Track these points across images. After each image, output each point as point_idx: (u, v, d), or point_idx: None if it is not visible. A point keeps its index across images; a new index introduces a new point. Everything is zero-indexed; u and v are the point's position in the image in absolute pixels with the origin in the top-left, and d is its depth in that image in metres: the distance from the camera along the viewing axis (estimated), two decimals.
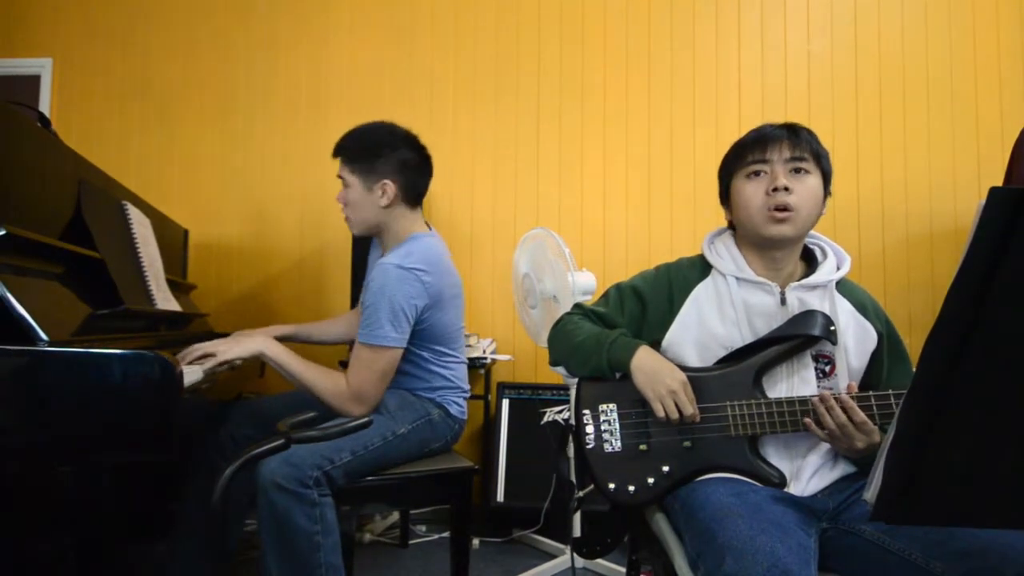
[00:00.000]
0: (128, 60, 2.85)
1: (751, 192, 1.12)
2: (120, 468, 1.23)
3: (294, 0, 2.84)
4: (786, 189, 1.08)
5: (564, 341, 1.21)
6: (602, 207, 2.72)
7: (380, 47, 2.81)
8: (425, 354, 1.59)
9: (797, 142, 1.11)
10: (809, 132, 1.13)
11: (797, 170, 1.10)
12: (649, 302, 1.19)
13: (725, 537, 0.84)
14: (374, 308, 1.44)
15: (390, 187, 1.55)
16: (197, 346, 1.40)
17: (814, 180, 1.11)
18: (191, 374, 1.28)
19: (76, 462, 1.06)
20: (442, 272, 1.55)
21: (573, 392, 1.18)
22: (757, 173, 1.12)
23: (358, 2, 2.83)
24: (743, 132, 1.21)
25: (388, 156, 1.56)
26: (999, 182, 2.39)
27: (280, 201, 2.79)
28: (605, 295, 1.26)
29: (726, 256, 1.18)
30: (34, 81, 2.82)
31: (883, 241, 2.65)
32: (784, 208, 1.08)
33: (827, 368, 1.11)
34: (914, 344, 1.18)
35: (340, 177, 1.61)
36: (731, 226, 1.23)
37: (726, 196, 1.20)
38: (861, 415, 0.97)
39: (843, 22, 2.71)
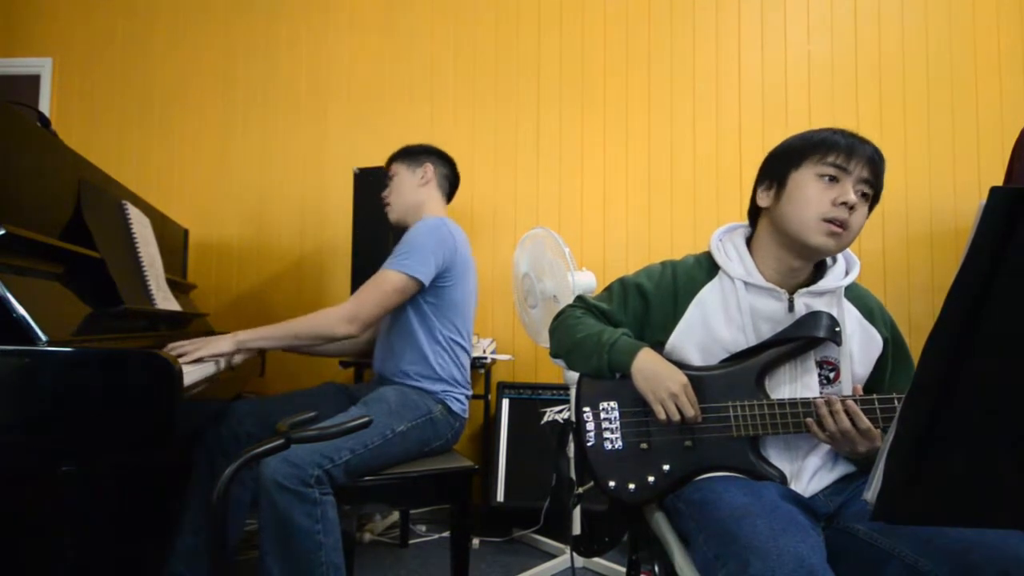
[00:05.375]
0: (128, 60, 2.85)
1: (816, 194, 1.05)
2: (120, 467, 1.23)
3: (294, 0, 2.84)
4: (852, 208, 1.04)
5: (565, 336, 1.20)
6: (602, 206, 2.72)
7: (380, 47, 2.81)
8: (439, 325, 1.64)
9: (875, 168, 1.06)
10: (883, 159, 1.08)
11: (864, 193, 1.06)
12: (653, 301, 1.17)
13: (746, 538, 0.82)
14: (406, 245, 1.60)
15: (430, 168, 1.80)
16: (172, 345, 1.39)
17: (866, 209, 1.08)
18: (204, 369, 1.30)
19: (76, 462, 1.06)
20: (465, 243, 1.72)
21: (574, 389, 1.18)
22: (833, 179, 1.05)
23: (358, 1, 2.83)
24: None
25: (430, 152, 1.85)
26: (999, 182, 2.39)
27: (280, 201, 2.79)
28: (608, 289, 1.24)
29: (735, 258, 1.15)
30: (34, 81, 2.82)
31: (883, 241, 2.65)
32: (842, 225, 1.04)
33: (831, 375, 1.10)
34: (914, 345, 1.18)
35: (388, 177, 1.84)
36: (752, 214, 1.18)
37: (777, 180, 1.11)
38: (866, 422, 0.96)
39: (843, 22, 2.71)
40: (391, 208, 1.83)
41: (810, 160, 1.07)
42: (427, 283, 1.59)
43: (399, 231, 1.78)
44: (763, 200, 1.14)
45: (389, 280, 1.56)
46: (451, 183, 1.87)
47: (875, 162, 1.06)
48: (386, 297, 1.55)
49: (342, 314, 1.52)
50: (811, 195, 1.06)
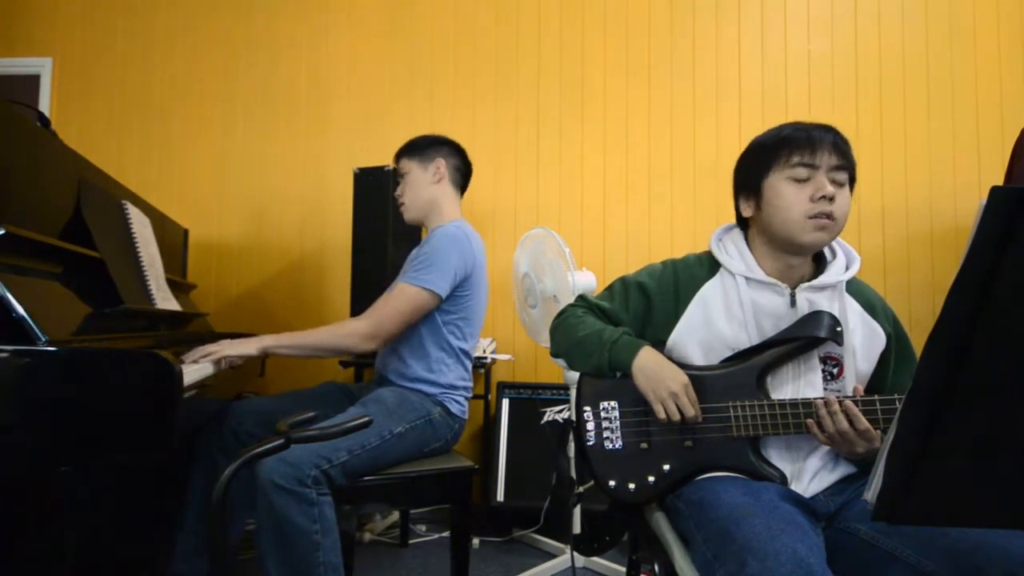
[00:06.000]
0: (128, 60, 2.85)
1: (794, 196, 1.06)
2: (120, 467, 1.23)
3: (294, 0, 2.84)
4: (832, 199, 1.04)
5: (566, 335, 1.20)
6: (602, 206, 2.72)
7: (380, 46, 2.81)
8: (446, 333, 1.63)
9: (842, 151, 1.07)
10: (848, 142, 1.10)
11: (837, 181, 1.07)
12: (655, 300, 1.17)
13: (744, 538, 0.82)
14: (427, 258, 1.58)
15: (442, 164, 1.76)
16: (200, 348, 1.44)
17: (848, 192, 1.09)
18: (204, 369, 1.31)
19: (76, 462, 1.06)
20: (482, 250, 1.72)
21: (575, 388, 1.18)
22: (803, 179, 1.06)
23: (358, 1, 2.83)
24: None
25: (440, 145, 1.80)
26: (999, 182, 2.39)
27: (280, 201, 2.79)
28: (610, 288, 1.24)
29: (735, 255, 1.15)
30: (34, 81, 2.82)
31: (883, 240, 2.65)
32: (828, 217, 1.05)
33: (835, 370, 1.10)
34: (914, 344, 1.18)
35: (400, 174, 1.79)
36: (740, 222, 1.19)
37: (753, 190, 1.12)
38: (864, 423, 0.97)
39: (843, 22, 2.71)
40: (406, 208, 1.78)
41: (776, 165, 1.09)
42: (445, 296, 1.59)
43: (411, 229, 1.78)
44: (746, 211, 1.16)
45: (408, 297, 1.55)
46: (463, 174, 1.82)
47: (839, 146, 1.07)
48: (406, 315, 1.56)
49: (363, 331, 1.53)
50: (789, 198, 1.07)
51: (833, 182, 1.06)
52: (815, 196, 1.05)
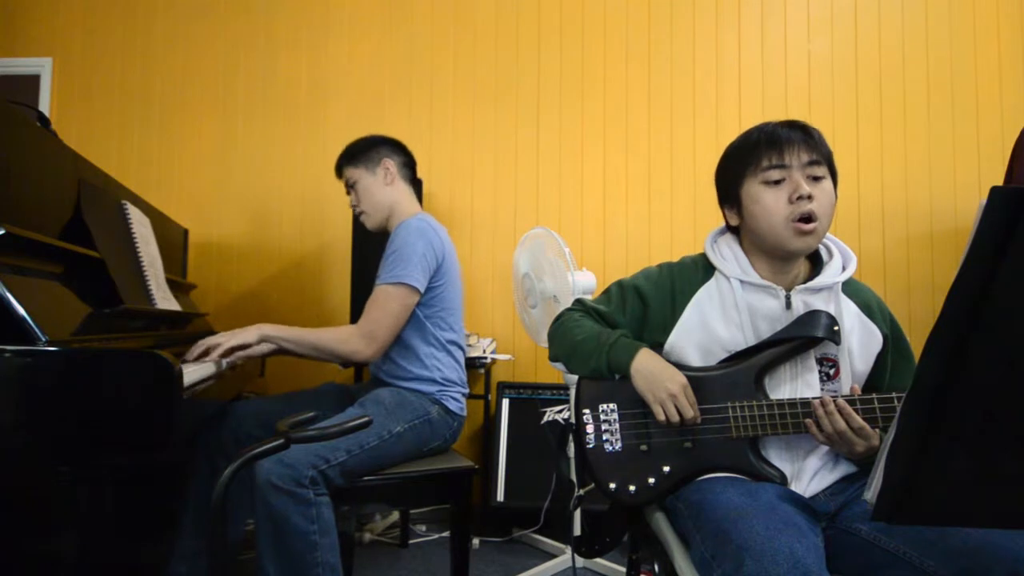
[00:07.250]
0: (128, 60, 2.85)
1: (772, 201, 1.06)
2: (120, 468, 1.23)
3: (294, 0, 2.84)
4: (809, 197, 1.03)
5: (564, 338, 1.20)
6: (602, 206, 2.72)
7: (379, 46, 2.81)
8: (431, 328, 1.62)
9: (813, 144, 1.06)
10: (818, 132, 1.09)
11: (814, 176, 1.06)
12: (651, 303, 1.17)
13: (741, 538, 0.82)
14: (396, 254, 1.56)
15: (391, 163, 1.73)
16: (201, 342, 1.44)
17: (828, 184, 1.08)
18: (204, 369, 1.30)
19: (75, 462, 1.06)
20: (448, 239, 1.69)
21: (573, 391, 1.17)
22: (778, 181, 1.06)
23: (358, 1, 2.83)
24: (744, 131, 1.17)
25: (380, 146, 1.76)
26: (999, 182, 2.39)
27: (280, 201, 2.79)
28: (607, 292, 1.24)
29: (730, 258, 1.15)
30: (34, 81, 2.82)
31: (883, 241, 2.65)
32: (809, 218, 1.04)
33: (831, 371, 1.10)
34: (914, 344, 1.18)
35: (348, 184, 1.76)
36: (730, 228, 1.20)
37: (733, 200, 1.13)
38: (859, 421, 0.97)
39: (843, 22, 2.71)
40: (367, 217, 1.75)
41: (749, 172, 1.09)
42: (423, 290, 1.59)
43: (381, 236, 1.77)
44: (732, 220, 1.17)
45: (390, 297, 1.54)
46: (411, 168, 1.78)
47: (809, 142, 1.06)
48: (394, 316, 1.55)
49: (358, 338, 1.53)
50: (768, 204, 1.07)
51: (810, 177, 1.06)
52: (793, 197, 1.05)
